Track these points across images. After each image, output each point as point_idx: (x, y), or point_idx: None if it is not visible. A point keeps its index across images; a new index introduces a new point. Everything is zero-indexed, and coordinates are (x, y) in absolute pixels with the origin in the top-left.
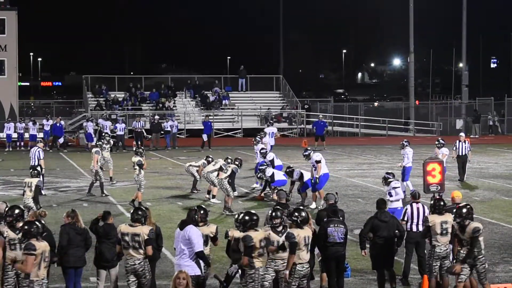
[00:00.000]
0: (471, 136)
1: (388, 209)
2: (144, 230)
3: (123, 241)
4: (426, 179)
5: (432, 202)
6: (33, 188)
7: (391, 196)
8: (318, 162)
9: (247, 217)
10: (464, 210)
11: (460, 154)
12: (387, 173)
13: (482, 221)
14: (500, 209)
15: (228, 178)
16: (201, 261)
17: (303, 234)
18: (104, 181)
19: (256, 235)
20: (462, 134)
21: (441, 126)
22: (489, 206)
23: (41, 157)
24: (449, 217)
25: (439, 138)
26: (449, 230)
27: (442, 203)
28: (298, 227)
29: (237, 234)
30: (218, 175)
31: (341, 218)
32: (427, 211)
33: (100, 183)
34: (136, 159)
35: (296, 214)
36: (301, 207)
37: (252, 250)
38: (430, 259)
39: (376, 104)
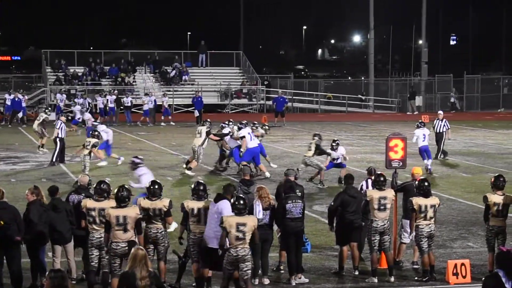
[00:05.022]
0: (408, 113)
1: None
2: (164, 203)
3: (146, 214)
4: (388, 155)
5: (373, 177)
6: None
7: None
8: (242, 137)
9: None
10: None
11: (437, 131)
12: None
13: (441, 197)
14: (458, 186)
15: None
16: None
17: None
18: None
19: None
20: (441, 112)
21: (400, 103)
22: (447, 183)
23: (58, 127)
24: (389, 193)
25: (335, 139)
26: (388, 206)
27: (382, 179)
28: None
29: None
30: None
31: (299, 193)
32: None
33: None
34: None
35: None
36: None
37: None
38: (369, 234)
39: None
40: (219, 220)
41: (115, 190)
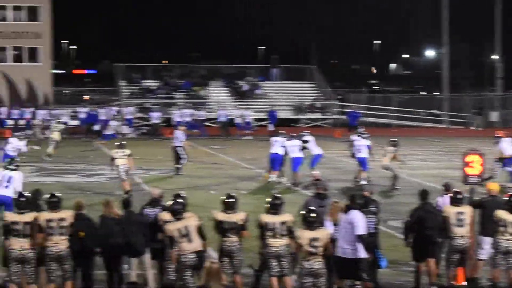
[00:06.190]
0: (479, 128)
1: None
2: (240, 217)
3: (221, 227)
4: (464, 171)
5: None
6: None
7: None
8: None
9: None
10: None
11: None
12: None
13: None
14: None
15: None
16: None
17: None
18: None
19: None
20: None
21: (475, 119)
22: None
23: (183, 139)
24: (466, 209)
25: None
26: (467, 221)
27: (459, 196)
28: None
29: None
30: None
31: (375, 209)
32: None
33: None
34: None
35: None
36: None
37: None
38: (448, 252)
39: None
40: (352, 230)
41: (171, 203)
